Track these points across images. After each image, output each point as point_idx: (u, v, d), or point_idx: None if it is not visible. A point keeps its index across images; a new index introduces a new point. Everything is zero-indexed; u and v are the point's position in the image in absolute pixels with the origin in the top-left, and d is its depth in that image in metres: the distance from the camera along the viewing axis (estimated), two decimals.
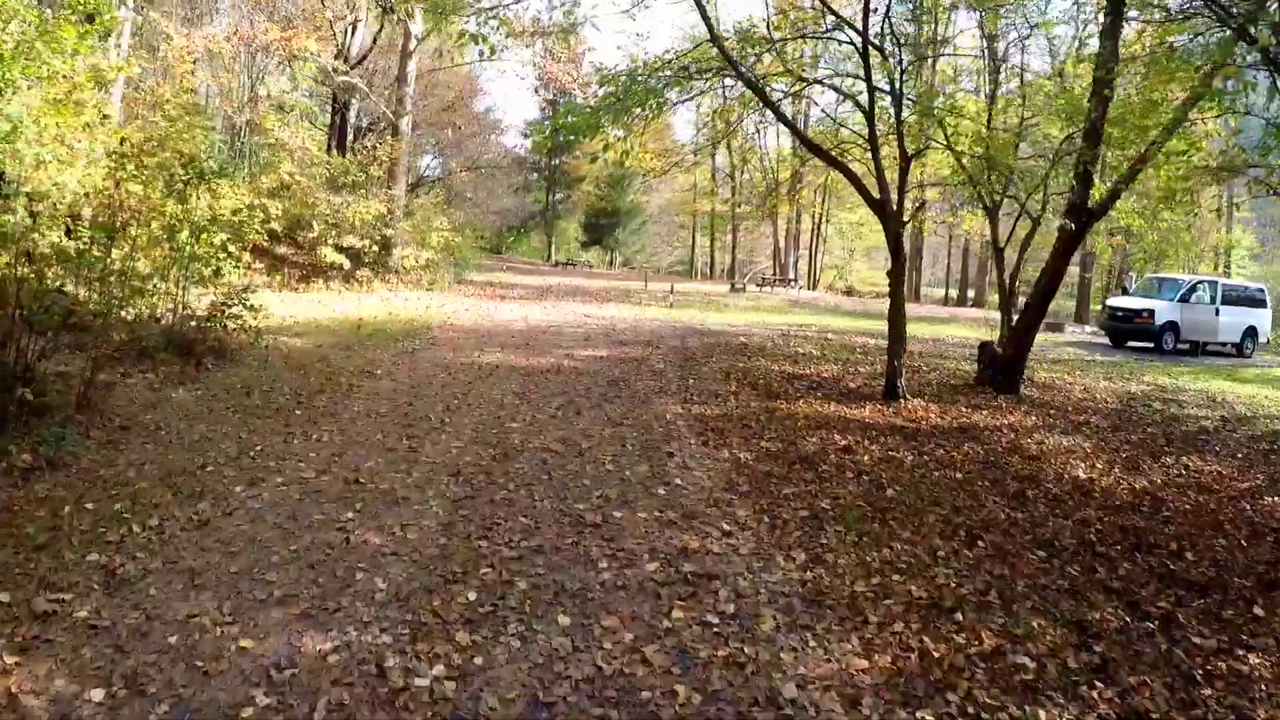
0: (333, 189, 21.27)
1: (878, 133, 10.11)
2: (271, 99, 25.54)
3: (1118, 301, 21.27)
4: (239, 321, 10.07)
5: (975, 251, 46.48)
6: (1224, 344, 20.81)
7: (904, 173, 10.43)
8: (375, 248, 20.70)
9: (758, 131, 41.89)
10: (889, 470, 7.10)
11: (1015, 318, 11.80)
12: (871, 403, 10.15)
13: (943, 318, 27.59)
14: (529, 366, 10.95)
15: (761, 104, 10.88)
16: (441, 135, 24.62)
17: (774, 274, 37.19)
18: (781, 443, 7.85)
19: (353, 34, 25.56)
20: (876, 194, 10.15)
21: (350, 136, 24.80)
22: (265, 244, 19.59)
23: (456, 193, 36.13)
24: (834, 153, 11.50)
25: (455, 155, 25.80)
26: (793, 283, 33.17)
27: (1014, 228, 13.34)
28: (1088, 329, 27.71)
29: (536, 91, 49.15)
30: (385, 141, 21.08)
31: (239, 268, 18.88)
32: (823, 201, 43.36)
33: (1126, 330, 20.37)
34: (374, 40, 24.58)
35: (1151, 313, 19.55)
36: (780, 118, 11.52)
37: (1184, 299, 19.90)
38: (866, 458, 7.50)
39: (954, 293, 45.19)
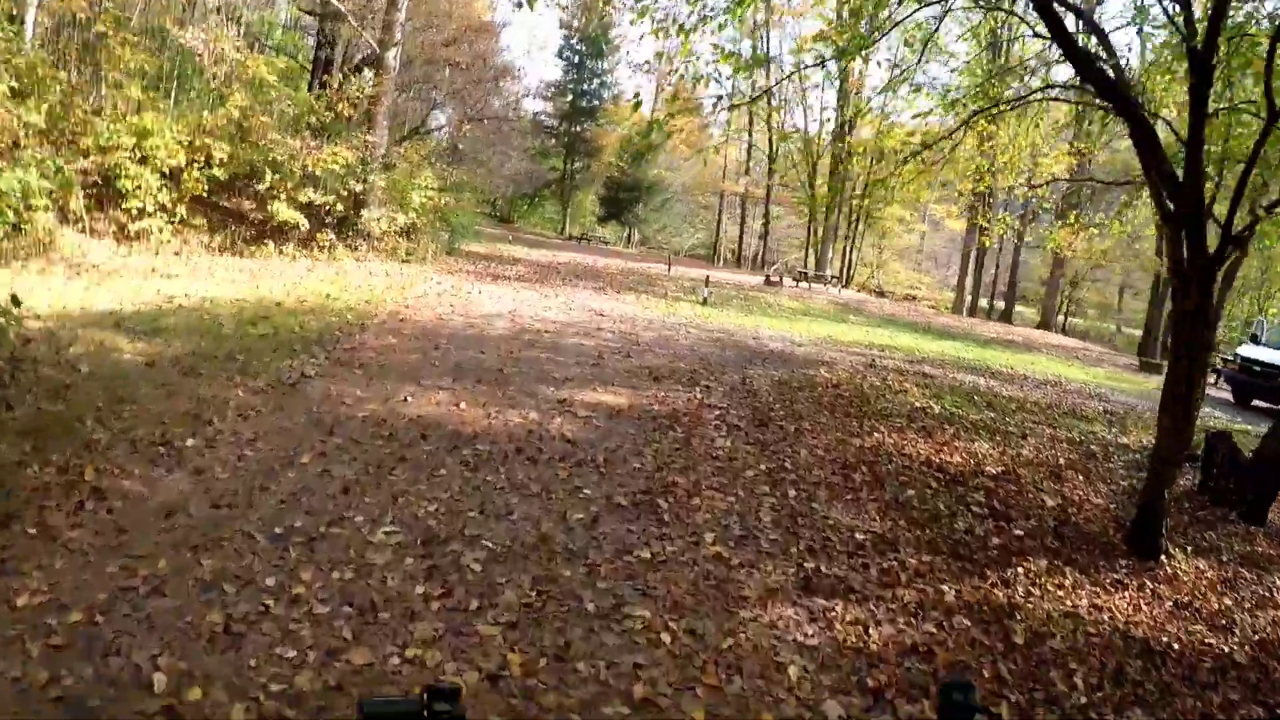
0: (296, 132, 16.17)
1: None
2: (243, 26, 20.32)
3: (1255, 353, 15.97)
4: None
5: (1032, 261, 41.18)
6: None
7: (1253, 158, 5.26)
8: (340, 206, 15.61)
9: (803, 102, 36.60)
10: None
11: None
12: (1107, 560, 5.36)
13: (1010, 339, 22.40)
14: (484, 432, 5.85)
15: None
16: (439, 77, 19.40)
17: (806, 269, 32.03)
18: None
19: None
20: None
21: (341, 79, 19.60)
22: (208, 195, 14.71)
23: (463, 151, 30.90)
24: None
25: (457, 105, 20.54)
26: (832, 280, 28.00)
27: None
28: None
29: (562, 19, 43.75)
30: (360, 77, 15.93)
31: (169, 222, 14.05)
32: (862, 195, 38.01)
33: (1263, 388, 15.22)
34: None
35: None
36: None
37: None
38: None
39: (988, 304, 39.76)
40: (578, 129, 44.24)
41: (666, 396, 7.50)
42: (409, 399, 6.31)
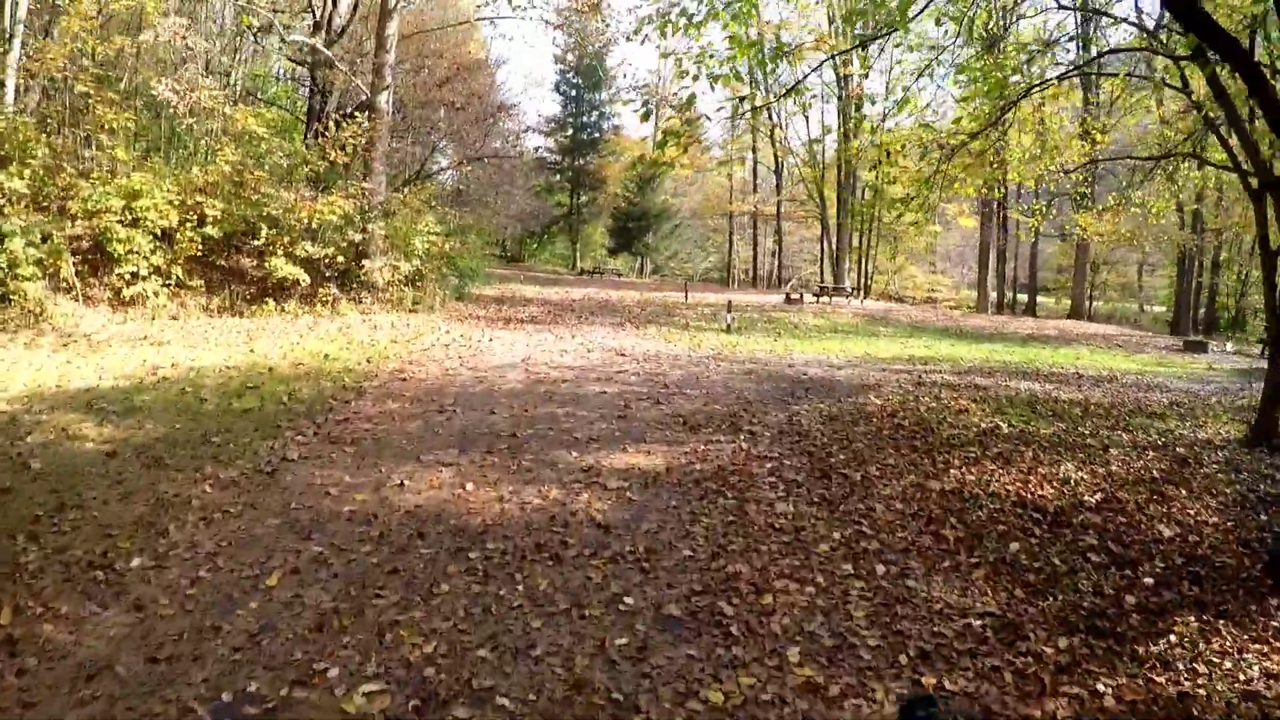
0: (291, 184, 15.45)
1: None
2: (236, 82, 19.77)
3: None
4: None
5: (1048, 251, 39.84)
6: None
7: None
8: (341, 258, 14.78)
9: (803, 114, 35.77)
10: None
11: None
12: (1255, 602, 4.57)
13: (1045, 334, 21.12)
14: (495, 523, 4.75)
15: None
16: (436, 118, 18.62)
17: (824, 283, 30.92)
18: None
19: (334, 4, 19.71)
20: None
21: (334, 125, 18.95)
22: (205, 255, 13.99)
23: (468, 194, 30.24)
24: None
25: (457, 146, 19.71)
26: (852, 292, 26.86)
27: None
28: (1229, 348, 21.18)
29: (556, 54, 43.21)
30: (354, 121, 15.16)
31: (165, 285, 13.28)
32: (872, 202, 36.95)
33: None
34: (354, 7, 18.64)
35: None
36: None
37: None
38: None
39: (1010, 298, 38.38)
40: (580, 162, 43.67)
41: (707, 449, 6.43)
42: (405, 482, 5.27)
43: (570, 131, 44.01)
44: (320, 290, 14.84)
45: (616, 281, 34.41)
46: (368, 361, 9.79)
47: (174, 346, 10.39)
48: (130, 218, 12.67)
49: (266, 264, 14.18)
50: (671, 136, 5.72)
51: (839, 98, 31.32)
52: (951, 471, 6.30)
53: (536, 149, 42.23)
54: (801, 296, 26.03)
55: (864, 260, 37.85)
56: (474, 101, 18.44)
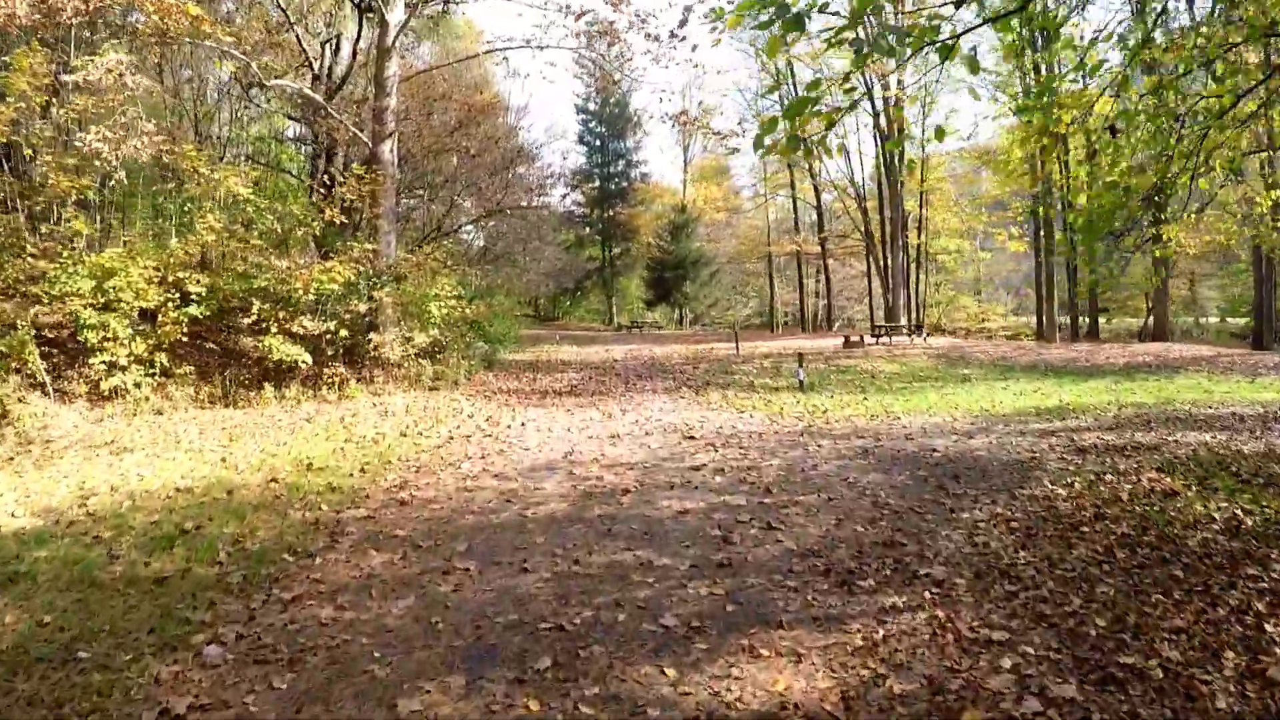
0: (284, 252, 13.31)
1: None
2: (222, 142, 17.94)
3: None
4: None
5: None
6: None
7: None
8: (345, 331, 12.51)
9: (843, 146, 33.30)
10: None
11: None
12: None
13: (1143, 362, 17.99)
14: None
15: None
16: (450, 169, 16.42)
17: (881, 323, 28.15)
18: None
19: (335, 52, 17.90)
20: None
21: (329, 180, 16.89)
22: (196, 337, 11.91)
23: (495, 251, 28.16)
24: None
25: (476, 199, 17.49)
26: (914, 329, 23.93)
27: None
28: None
29: (577, 103, 41.36)
30: (351, 175, 13.02)
31: (149, 377, 11.09)
32: (918, 230, 34.26)
33: None
34: (354, 54, 16.74)
35: None
36: None
37: None
38: None
39: (1070, 320, 34.82)
40: (611, 213, 41.73)
41: (888, 634, 3.73)
42: None
43: (598, 182, 42.20)
44: (326, 370, 12.57)
45: (658, 335, 31.97)
46: (361, 472, 7.30)
47: (136, 455, 8.07)
48: (103, 300, 10.56)
49: (261, 344, 11.98)
50: (768, 128, 3.40)
51: (876, 119, 28.96)
52: (1267, 628, 3.61)
53: (564, 195, 40.28)
54: (861, 338, 23.24)
55: (915, 292, 35.02)
56: (490, 147, 16.29)
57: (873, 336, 24.14)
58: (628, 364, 18.03)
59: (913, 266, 34.32)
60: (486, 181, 17.77)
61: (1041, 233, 30.69)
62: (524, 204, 19.17)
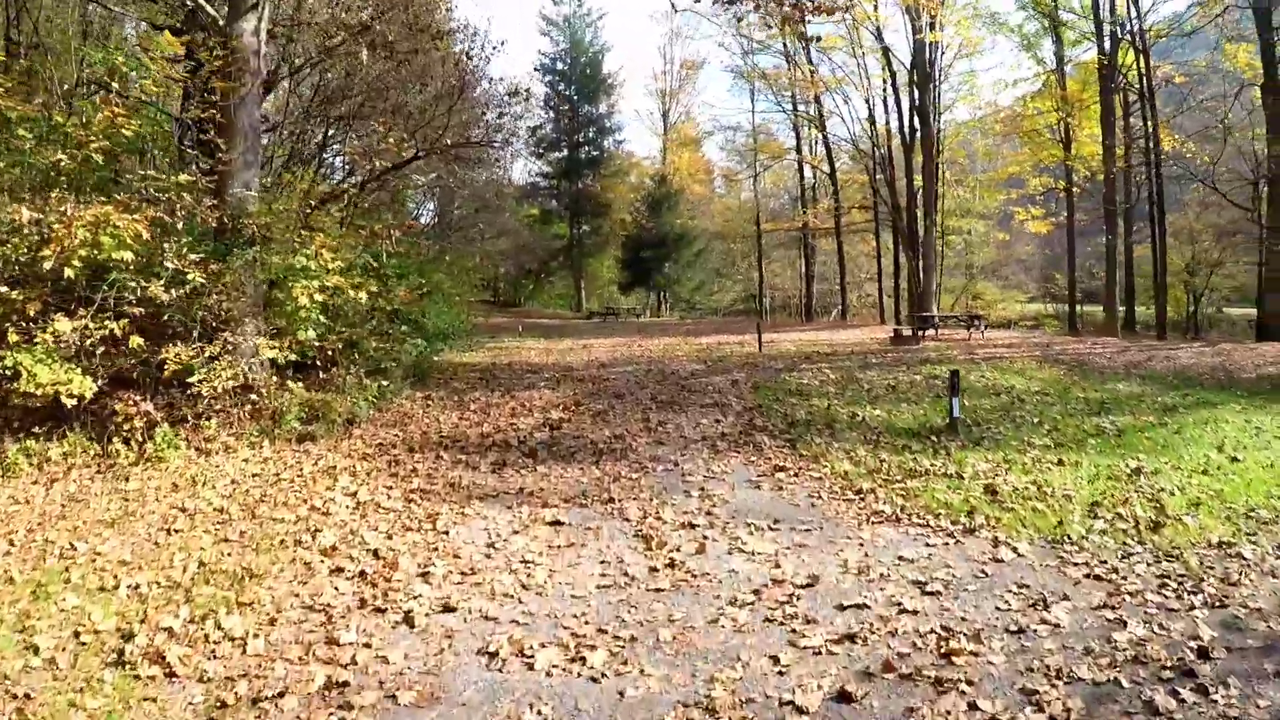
0: (49, 186, 7.28)
1: None
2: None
3: None
4: None
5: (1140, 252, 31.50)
6: None
7: None
8: (139, 338, 6.63)
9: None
10: None
11: None
12: None
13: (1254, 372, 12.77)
14: None
15: None
16: (355, 65, 10.51)
17: (933, 315, 22.81)
18: None
19: None
20: None
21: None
22: None
23: (444, 224, 22.17)
24: None
25: (414, 131, 11.51)
26: (974, 322, 18.47)
27: None
28: None
29: (545, 62, 35.11)
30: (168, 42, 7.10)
31: None
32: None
33: None
34: None
35: None
36: None
37: None
38: None
39: (1102, 309, 29.89)
40: (580, 185, 35.73)
41: None
42: None
43: (565, 151, 36.15)
44: (121, 407, 6.76)
45: (639, 325, 26.25)
46: None
47: None
48: None
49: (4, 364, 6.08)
50: None
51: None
52: None
53: (524, 154, 34.24)
54: (914, 333, 17.79)
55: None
56: (421, 46, 10.35)
57: (919, 329, 18.66)
58: (621, 367, 12.36)
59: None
60: (427, 109, 11.82)
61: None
62: (477, 140, 13.23)
